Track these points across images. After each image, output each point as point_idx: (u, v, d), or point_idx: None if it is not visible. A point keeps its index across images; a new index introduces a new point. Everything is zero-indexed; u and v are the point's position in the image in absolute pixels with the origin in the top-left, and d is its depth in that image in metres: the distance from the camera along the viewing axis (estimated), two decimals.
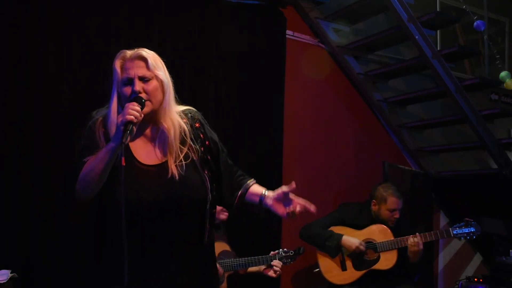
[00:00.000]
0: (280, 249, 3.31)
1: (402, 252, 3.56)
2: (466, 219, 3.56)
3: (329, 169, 4.46)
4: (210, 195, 1.85)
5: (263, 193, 1.93)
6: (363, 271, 3.58)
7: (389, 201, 3.65)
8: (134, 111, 1.70)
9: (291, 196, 1.87)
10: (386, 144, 4.80)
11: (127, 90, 1.80)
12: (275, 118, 4.12)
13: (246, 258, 3.21)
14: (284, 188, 1.87)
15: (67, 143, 3.31)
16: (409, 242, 3.49)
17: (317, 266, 3.67)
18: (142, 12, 3.64)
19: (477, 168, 5.03)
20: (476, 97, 4.34)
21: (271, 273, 3.23)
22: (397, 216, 3.66)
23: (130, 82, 1.80)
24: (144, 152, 1.84)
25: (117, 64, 1.84)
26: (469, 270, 4.84)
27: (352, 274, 3.59)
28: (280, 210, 1.88)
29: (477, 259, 4.91)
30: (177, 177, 1.78)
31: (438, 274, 4.86)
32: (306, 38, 4.47)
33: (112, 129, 1.76)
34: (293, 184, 1.86)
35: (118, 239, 1.71)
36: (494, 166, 4.32)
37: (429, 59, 3.97)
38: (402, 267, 3.59)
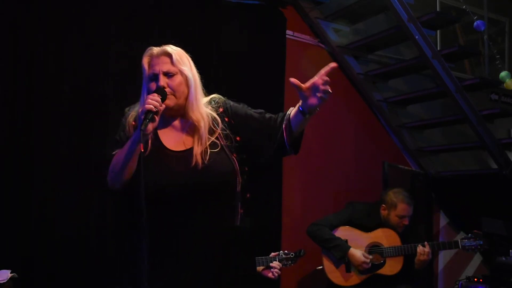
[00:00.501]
0: (281, 251, 3.30)
1: (408, 258, 3.55)
2: (475, 231, 3.53)
3: (329, 169, 4.46)
4: (240, 178, 1.89)
5: (299, 104, 1.88)
6: (367, 275, 3.56)
7: (399, 208, 3.60)
8: (153, 100, 1.76)
9: (308, 84, 1.82)
10: (386, 144, 4.80)
11: (153, 85, 1.87)
12: None
13: None
14: (301, 88, 1.81)
15: (67, 143, 3.32)
16: (418, 250, 3.47)
17: (321, 263, 3.66)
18: (142, 12, 3.64)
19: (477, 168, 5.02)
20: (476, 97, 4.33)
21: (270, 274, 3.22)
22: (406, 222, 3.61)
23: (155, 77, 1.88)
24: (172, 139, 1.90)
25: (145, 61, 1.93)
26: (469, 270, 4.84)
27: (355, 277, 3.56)
28: (313, 101, 1.82)
29: (477, 259, 4.91)
30: (200, 165, 1.81)
31: (438, 274, 4.86)
32: (306, 38, 4.47)
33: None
34: (293, 80, 1.80)
35: (137, 230, 1.73)
36: (494, 166, 4.32)
37: (429, 59, 3.97)
38: (406, 272, 3.57)
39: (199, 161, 1.82)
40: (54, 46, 3.32)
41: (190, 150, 1.85)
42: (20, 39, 3.23)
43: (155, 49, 1.92)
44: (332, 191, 4.45)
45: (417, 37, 3.91)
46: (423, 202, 4.74)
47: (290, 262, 3.30)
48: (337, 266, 3.57)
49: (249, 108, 2.03)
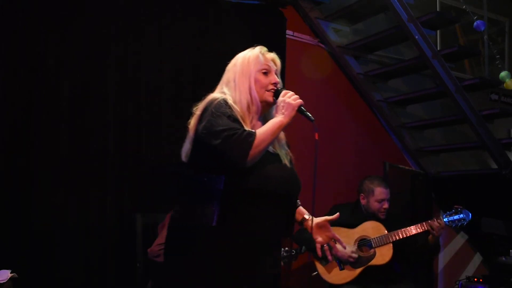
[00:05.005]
0: (282, 248, 3.31)
1: (398, 246, 3.56)
2: (456, 206, 3.57)
3: (329, 169, 4.45)
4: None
5: (305, 216, 2.33)
6: (361, 268, 3.58)
7: (377, 192, 3.68)
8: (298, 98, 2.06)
9: (330, 228, 2.30)
10: (386, 144, 4.80)
11: (265, 78, 2.07)
12: None
13: None
14: (328, 218, 2.32)
15: (67, 143, 3.32)
16: (434, 224, 3.49)
17: (315, 269, 3.67)
18: (142, 12, 3.64)
19: (477, 168, 5.03)
20: (476, 97, 4.34)
21: None
22: (386, 206, 3.67)
23: (269, 72, 2.09)
24: None
25: (257, 54, 2.07)
26: (469, 270, 4.84)
27: (350, 272, 3.57)
28: (317, 238, 2.28)
29: (477, 259, 4.91)
30: (288, 165, 2.08)
31: (438, 274, 4.86)
32: (306, 38, 4.47)
33: (254, 106, 2.02)
34: (337, 215, 2.33)
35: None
36: (494, 166, 4.32)
37: (429, 59, 3.97)
38: (399, 261, 3.61)
39: (287, 162, 2.07)
40: (54, 46, 3.33)
41: (278, 154, 2.07)
42: (20, 39, 3.23)
43: (265, 50, 2.10)
44: (332, 191, 4.44)
45: (417, 37, 3.91)
46: (423, 202, 4.75)
47: (291, 259, 3.32)
48: (328, 267, 3.59)
49: None
